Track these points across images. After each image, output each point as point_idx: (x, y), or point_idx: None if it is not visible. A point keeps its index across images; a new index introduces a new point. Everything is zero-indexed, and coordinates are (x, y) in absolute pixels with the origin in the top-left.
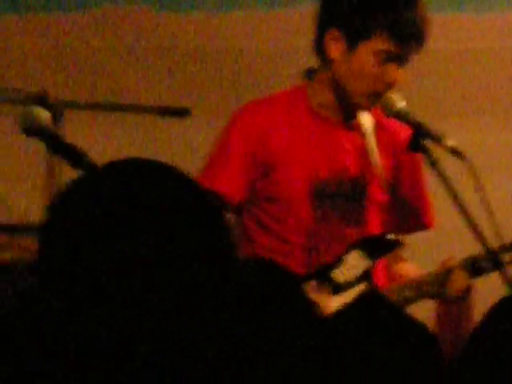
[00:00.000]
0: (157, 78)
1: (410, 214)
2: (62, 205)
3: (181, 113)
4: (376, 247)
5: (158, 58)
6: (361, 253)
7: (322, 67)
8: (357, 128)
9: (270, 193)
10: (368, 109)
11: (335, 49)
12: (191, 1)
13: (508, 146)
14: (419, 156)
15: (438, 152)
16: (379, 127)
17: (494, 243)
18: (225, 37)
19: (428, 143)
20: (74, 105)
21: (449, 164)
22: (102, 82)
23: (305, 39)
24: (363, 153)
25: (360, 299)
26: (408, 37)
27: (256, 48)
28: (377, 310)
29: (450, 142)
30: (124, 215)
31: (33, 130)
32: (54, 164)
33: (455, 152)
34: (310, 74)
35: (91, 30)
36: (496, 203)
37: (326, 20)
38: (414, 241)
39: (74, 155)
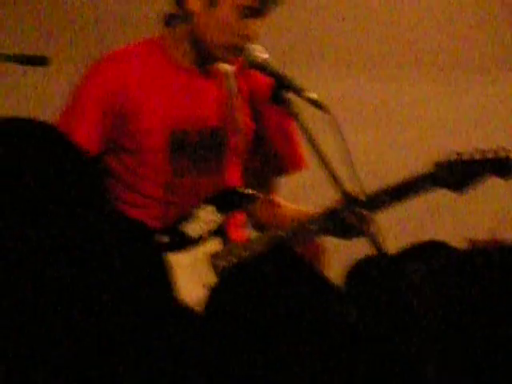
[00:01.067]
0: (13, 24)
1: (279, 157)
2: None
3: (39, 61)
4: (229, 202)
5: (15, 4)
6: (213, 207)
7: (182, 18)
8: (217, 77)
9: (126, 144)
10: (228, 61)
11: (195, 1)
12: None
13: (367, 97)
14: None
15: (299, 104)
16: (241, 76)
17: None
18: None
19: (289, 95)
20: None
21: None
22: None
23: None
24: (224, 102)
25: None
26: None
27: None
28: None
29: (311, 95)
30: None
31: None
32: None
33: (316, 104)
34: (168, 21)
35: None
36: (357, 154)
37: None
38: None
39: None
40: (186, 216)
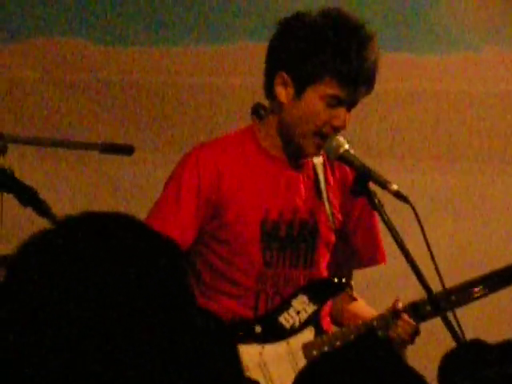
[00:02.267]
0: (99, 113)
1: (362, 249)
2: (18, 264)
3: (125, 150)
4: (321, 291)
5: (99, 93)
6: (307, 297)
7: (272, 108)
8: (307, 168)
9: (219, 234)
10: (314, 153)
11: (284, 93)
12: (131, 35)
13: (444, 189)
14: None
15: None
16: (329, 166)
17: (436, 287)
18: (165, 72)
19: (372, 187)
20: (17, 140)
21: (390, 209)
22: (43, 117)
23: (246, 76)
24: (313, 193)
25: (357, 342)
26: (357, 83)
27: (197, 83)
28: (374, 352)
29: (395, 187)
30: (82, 276)
31: None
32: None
33: (399, 196)
34: (258, 112)
35: (30, 62)
36: (437, 246)
37: (275, 63)
38: (362, 285)
39: (22, 192)
40: (280, 306)
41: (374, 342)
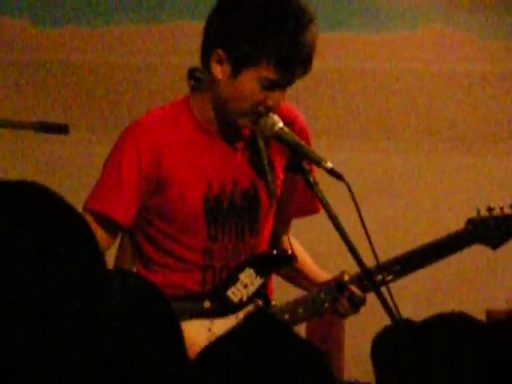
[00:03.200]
0: (32, 92)
1: (299, 206)
2: None
3: (60, 129)
4: (267, 263)
5: (33, 72)
6: (253, 270)
7: (207, 82)
8: (245, 138)
9: (162, 211)
10: (248, 129)
11: (220, 70)
12: (68, 16)
13: (378, 167)
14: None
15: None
16: None
17: (371, 265)
18: (101, 51)
19: (306, 165)
20: None
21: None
22: None
23: (184, 56)
24: (252, 163)
25: (246, 320)
26: (293, 67)
27: (133, 63)
28: (265, 329)
29: (329, 164)
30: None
31: None
32: None
33: (334, 174)
34: (194, 77)
35: None
36: (371, 223)
37: (213, 40)
38: None
39: None
40: (227, 280)
41: (262, 321)
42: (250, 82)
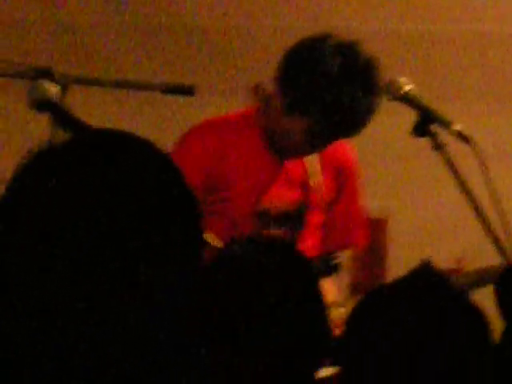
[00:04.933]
0: (161, 55)
1: (342, 232)
2: (24, 177)
3: (186, 91)
4: (319, 269)
5: (162, 36)
6: None
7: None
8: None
9: (215, 208)
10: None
11: (276, 102)
12: None
13: (506, 132)
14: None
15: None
16: (324, 152)
17: (499, 229)
18: (229, 15)
19: (434, 128)
20: (79, 80)
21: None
22: (106, 59)
23: (308, 20)
24: (306, 178)
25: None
26: (342, 129)
27: (262, 26)
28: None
29: (458, 127)
30: (96, 191)
31: (40, 103)
32: (58, 139)
33: (462, 137)
34: (257, 93)
35: (95, 5)
36: (501, 189)
37: (279, 73)
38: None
39: (80, 130)
40: None
41: (428, 276)
42: (295, 128)
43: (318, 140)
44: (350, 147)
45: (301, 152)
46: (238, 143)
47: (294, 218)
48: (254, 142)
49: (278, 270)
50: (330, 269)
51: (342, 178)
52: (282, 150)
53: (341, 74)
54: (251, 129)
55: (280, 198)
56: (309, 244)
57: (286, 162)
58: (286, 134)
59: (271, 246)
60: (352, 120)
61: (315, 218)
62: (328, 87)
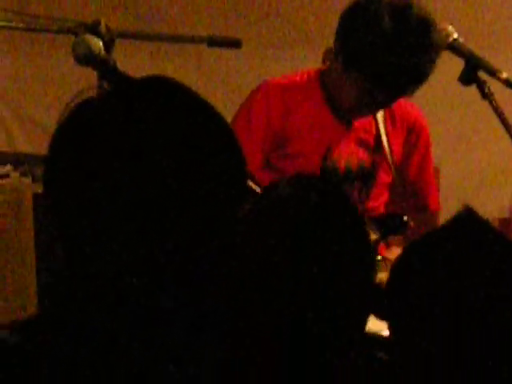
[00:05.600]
0: (205, 7)
1: (415, 195)
2: (69, 129)
3: (232, 43)
4: (384, 224)
5: None
6: (372, 225)
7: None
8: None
9: (279, 164)
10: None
11: (337, 61)
12: None
13: None
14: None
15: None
16: (390, 111)
17: None
18: None
19: (482, 76)
20: (125, 34)
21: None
22: (149, 12)
23: None
24: (373, 138)
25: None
26: (396, 86)
27: None
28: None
29: (505, 75)
30: (138, 140)
31: (86, 58)
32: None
33: (509, 84)
34: (327, 58)
35: None
36: None
37: (337, 32)
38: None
39: (126, 84)
40: None
41: (473, 222)
42: (351, 83)
43: (375, 97)
44: (416, 106)
45: (362, 110)
46: (303, 104)
47: (364, 177)
48: (318, 102)
49: (322, 209)
50: (398, 226)
51: (413, 139)
52: (345, 109)
53: (394, 33)
54: (315, 90)
55: (349, 156)
56: (378, 203)
57: (354, 122)
58: (346, 92)
59: (313, 185)
60: (405, 78)
61: (384, 178)
62: (381, 45)
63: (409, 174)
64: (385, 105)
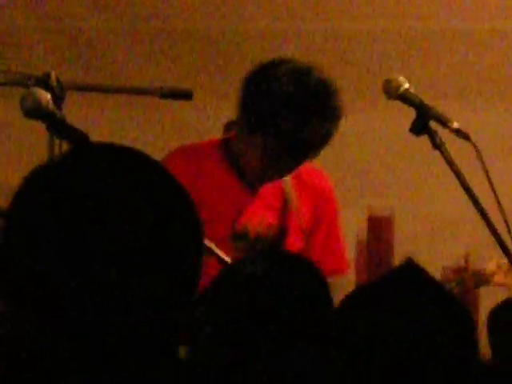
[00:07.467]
0: (158, 60)
1: (324, 259)
2: (27, 192)
3: (184, 95)
4: None
5: (159, 40)
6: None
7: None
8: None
9: None
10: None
11: (240, 125)
12: None
13: (505, 129)
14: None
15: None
16: (298, 177)
17: (500, 227)
18: (226, 18)
19: (433, 126)
20: (75, 87)
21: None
22: (103, 64)
23: (304, 21)
24: (283, 203)
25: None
26: (297, 151)
27: (256, 30)
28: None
29: (455, 124)
30: (92, 205)
31: (34, 111)
32: (55, 147)
33: (461, 134)
34: (230, 130)
35: (92, 12)
36: (499, 185)
37: (240, 96)
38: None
39: (75, 137)
40: None
41: (410, 271)
42: (255, 146)
43: (279, 161)
44: (324, 174)
45: (268, 175)
46: (209, 169)
47: (273, 242)
48: (224, 170)
49: (296, 285)
50: None
51: (320, 206)
52: (251, 174)
53: (294, 96)
54: (219, 158)
55: (258, 221)
56: None
57: (261, 187)
58: (251, 157)
59: (286, 261)
60: (305, 144)
61: (294, 244)
62: (282, 108)
63: (318, 238)
64: (290, 169)
